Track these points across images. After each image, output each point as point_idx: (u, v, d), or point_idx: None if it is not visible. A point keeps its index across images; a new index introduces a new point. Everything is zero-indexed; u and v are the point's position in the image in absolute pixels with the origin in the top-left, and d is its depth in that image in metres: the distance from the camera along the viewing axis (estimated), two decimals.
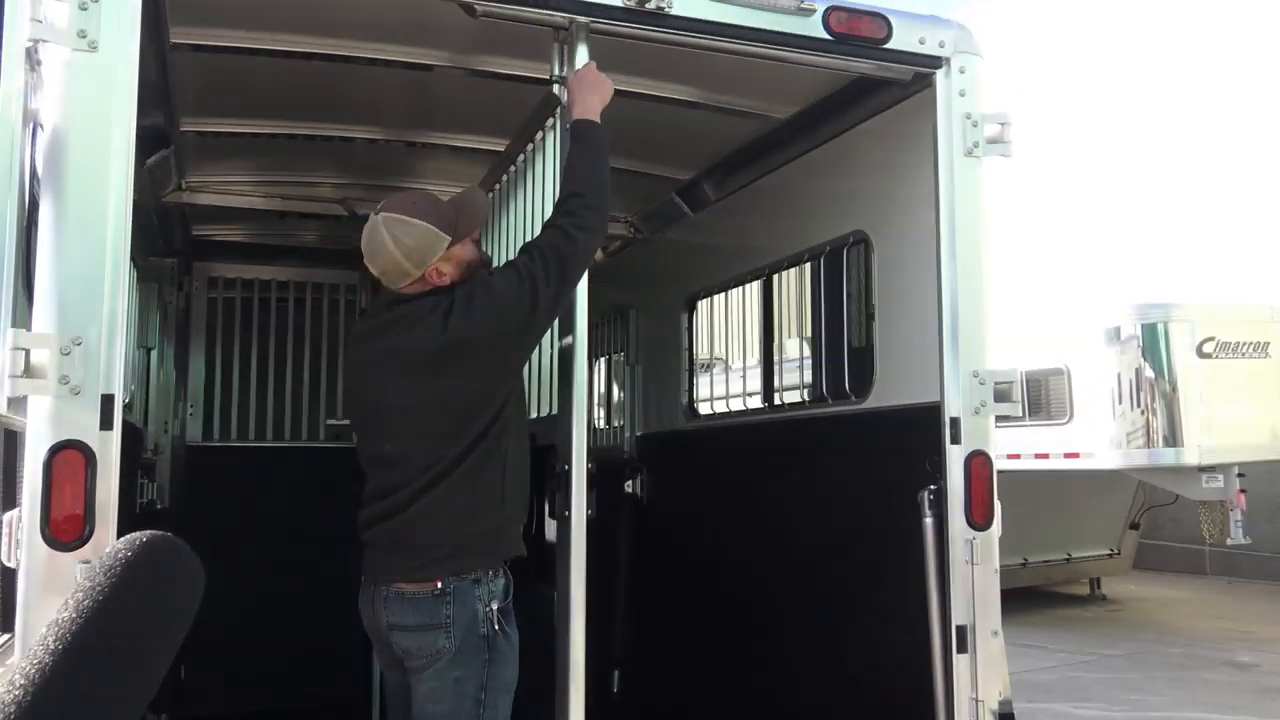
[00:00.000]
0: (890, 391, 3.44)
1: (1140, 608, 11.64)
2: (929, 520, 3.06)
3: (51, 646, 0.91)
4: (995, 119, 3.13)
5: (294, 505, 5.87)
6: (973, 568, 2.98)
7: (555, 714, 2.81)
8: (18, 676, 0.90)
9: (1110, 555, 11.64)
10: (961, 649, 2.95)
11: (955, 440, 3.02)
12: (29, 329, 2.27)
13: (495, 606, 2.69)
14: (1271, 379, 9.83)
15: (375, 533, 2.82)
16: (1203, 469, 9.37)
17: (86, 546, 2.26)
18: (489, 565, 2.70)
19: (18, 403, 2.32)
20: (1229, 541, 9.75)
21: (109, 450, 2.30)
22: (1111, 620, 10.88)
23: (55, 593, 2.23)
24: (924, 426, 3.15)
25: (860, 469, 3.57)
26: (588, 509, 2.80)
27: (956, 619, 2.96)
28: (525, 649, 2.77)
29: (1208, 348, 9.50)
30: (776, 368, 4.42)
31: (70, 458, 2.26)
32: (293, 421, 6.13)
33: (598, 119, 2.84)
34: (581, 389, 2.89)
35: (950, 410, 3.04)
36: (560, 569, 2.86)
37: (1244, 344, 9.65)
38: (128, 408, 3.95)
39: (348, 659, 5.92)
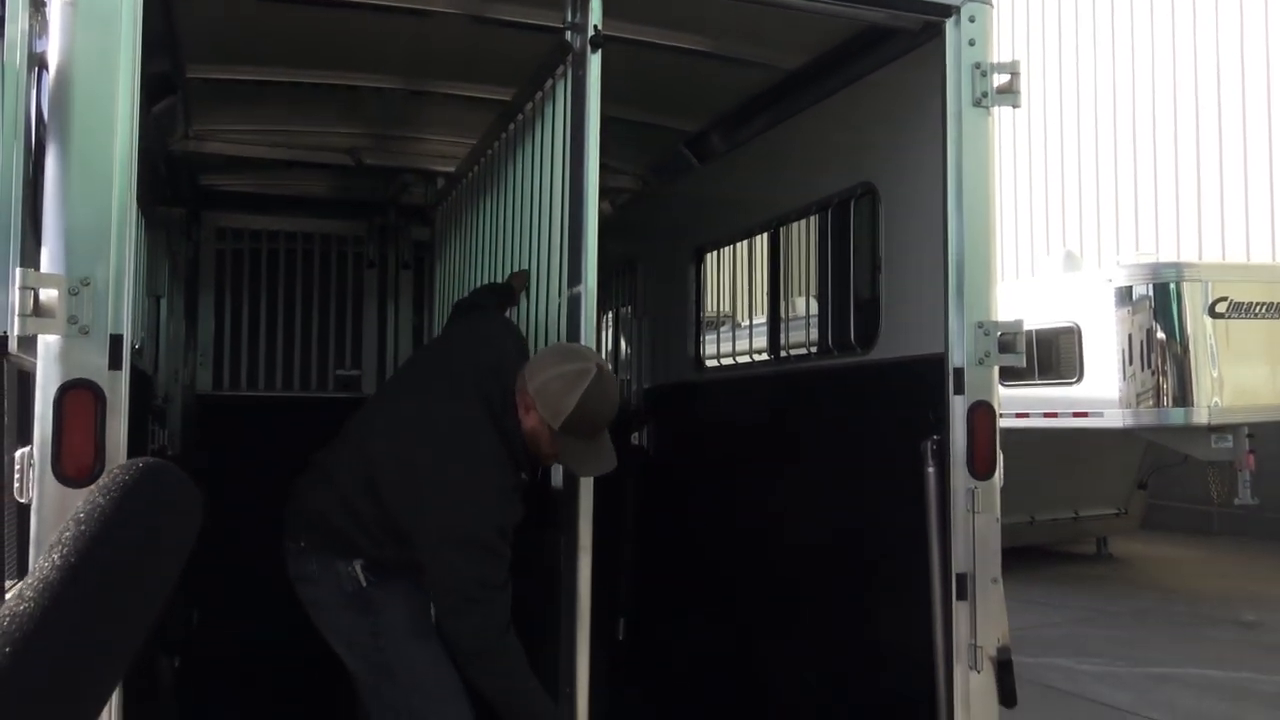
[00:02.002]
0: (895, 343, 3.45)
1: (1146, 567, 11.69)
2: (931, 470, 3.08)
3: (57, 562, 0.93)
4: (1005, 69, 3.10)
5: (303, 455, 5.92)
6: (974, 516, 3.00)
7: (560, 659, 2.86)
8: (26, 590, 0.92)
9: (1118, 515, 11.66)
10: (961, 596, 2.98)
11: (959, 391, 3.03)
12: (37, 269, 2.29)
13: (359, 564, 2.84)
14: None
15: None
16: (1212, 429, 9.37)
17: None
18: None
19: (28, 343, 2.35)
20: (1236, 502, 9.77)
21: (118, 390, 2.33)
22: (1117, 578, 10.93)
23: None
24: (928, 377, 3.16)
25: (865, 420, 3.59)
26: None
27: (957, 567, 2.99)
28: (530, 596, 2.82)
29: (1220, 308, 9.45)
30: (784, 320, 4.43)
31: (80, 397, 2.29)
32: (302, 372, 6.17)
33: None
34: (590, 340, 2.91)
35: (954, 361, 3.05)
36: (567, 514, 2.89)
37: (1257, 304, 9.61)
38: (138, 354, 3.99)
39: None
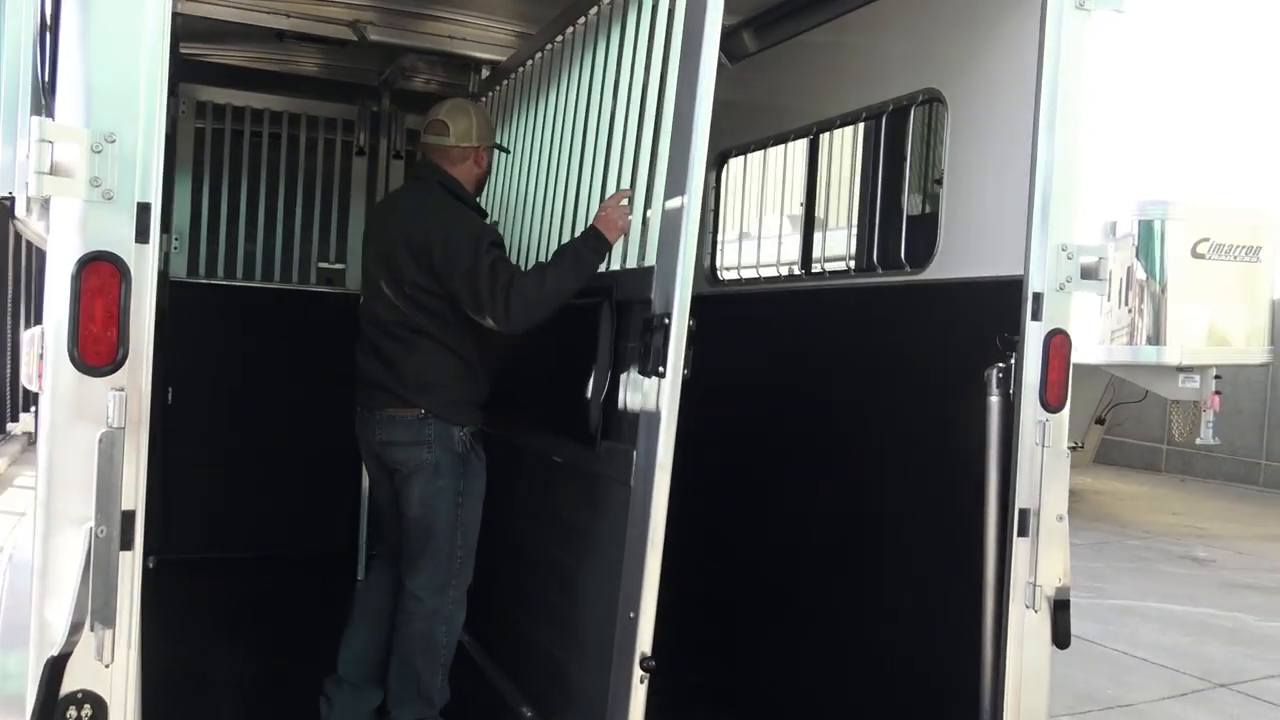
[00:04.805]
0: (955, 263, 3.24)
1: (1099, 500, 11.90)
2: (994, 399, 2.90)
3: None
4: None
5: (281, 350, 5.63)
6: (1043, 450, 2.85)
7: (625, 582, 2.68)
8: None
9: (1073, 448, 11.80)
10: (1023, 533, 2.84)
11: (1036, 317, 2.85)
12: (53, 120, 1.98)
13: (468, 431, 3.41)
14: (1259, 283, 9.85)
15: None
16: (1181, 369, 9.43)
17: (120, 372, 2.03)
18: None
19: (41, 207, 2.04)
20: (1198, 441, 9.90)
21: (145, 266, 2.05)
22: (1073, 511, 11.09)
23: (86, 421, 2.01)
24: (996, 300, 2.97)
25: (912, 343, 3.39)
26: (684, 369, 2.62)
27: (1020, 502, 2.84)
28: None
29: (1202, 248, 9.44)
30: (818, 232, 4.19)
31: (101, 270, 2.01)
32: (283, 263, 5.82)
33: (609, 240, 3.16)
34: (692, 239, 2.66)
35: (1033, 285, 2.85)
36: (646, 429, 2.70)
37: (1237, 247, 9.61)
38: None
39: (333, 506, 5.80)
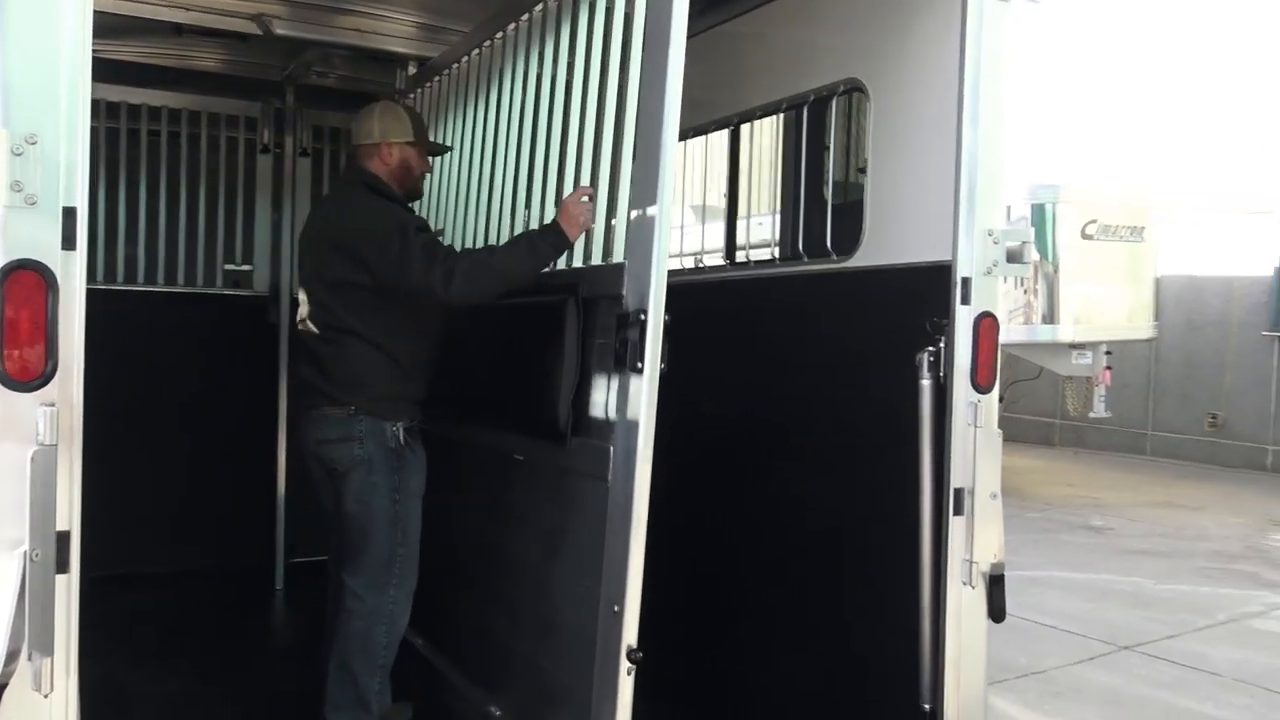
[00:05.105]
0: (881, 250, 3.30)
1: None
2: (926, 382, 2.97)
3: None
4: None
5: (186, 356, 5.43)
6: (975, 430, 2.93)
7: (608, 574, 2.69)
8: None
9: None
10: (959, 511, 2.92)
11: (965, 301, 2.92)
12: None
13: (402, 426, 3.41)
14: (1143, 262, 10.31)
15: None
16: (1074, 346, 9.82)
17: (50, 386, 1.93)
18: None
19: None
20: (1091, 415, 10.33)
21: (72, 274, 1.95)
22: None
23: (16, 439, 1.90)
24: (924, 286, 3.03)
25: (842, 330, 3.44)
26: (660, 363, 2.64)
27: (955, 481, 2.92)
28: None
29: (1090, 230, 9.83)
30: (741, 223, 4.21)
31: (26, 280, 1.91)
32: (187, 266, 5.61)
33: (570, 238, 3.13)
34: (665, 234, 2.67)
35: (962, 270, 2.92)
36: (624, 425, 2.70)
37: (1123, 228, 10.03)
38: None
39: (245, 517, 5.62)
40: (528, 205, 3.60)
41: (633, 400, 2.67)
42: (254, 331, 5.48)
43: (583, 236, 3.18)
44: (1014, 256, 2.95)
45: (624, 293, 2.77)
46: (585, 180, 3.23)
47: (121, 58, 5.06)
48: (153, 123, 5.46)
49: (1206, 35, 12.75)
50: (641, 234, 2.74)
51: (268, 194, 5.68)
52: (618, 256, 3.00)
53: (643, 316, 2.64)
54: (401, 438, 3.40)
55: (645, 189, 2.73)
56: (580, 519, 3.00)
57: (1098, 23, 13.58)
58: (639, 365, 2.64)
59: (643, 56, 2.85)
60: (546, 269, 3.26)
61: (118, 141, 5.44)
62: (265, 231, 5.70)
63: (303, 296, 3.56)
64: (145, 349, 5.28)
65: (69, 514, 1.95)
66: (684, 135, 4.38)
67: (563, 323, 3.09)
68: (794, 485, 3.58)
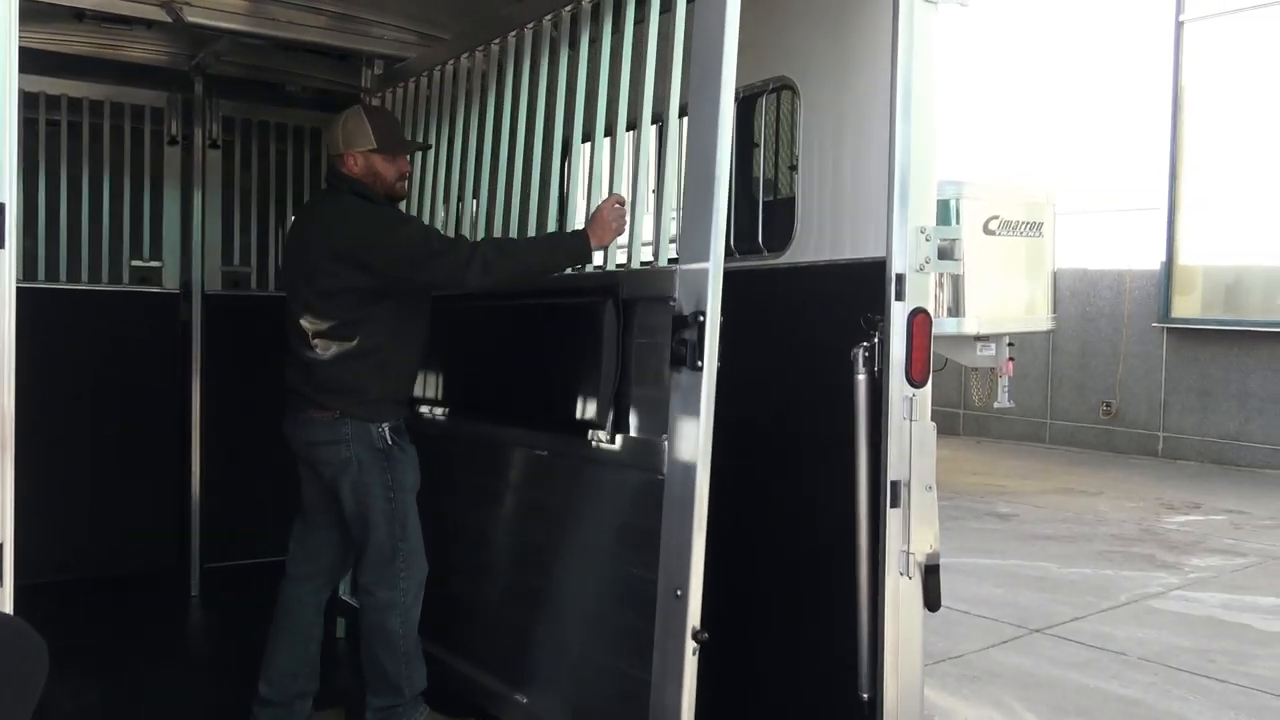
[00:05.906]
0: (813, 246, 3.34)
1: None
2: (862, 377, 3.03)
3: None
4: None
5: (92, 355, 5.22)
6: (910, 424, 2.99)
7: (670, 559, 2.76)
8: None
9: None
10: (895, 504, 2.98)
11: (899, 297, 2.98)
12: None
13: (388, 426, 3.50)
14: (1042, 256, 10.65)
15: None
16: (978, 338, 10.10)
17: None
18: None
19: None
20: (995, 405, 10.64)
21: (1, 273, 1.85)
22: None
23: None
24: (858, 282, 3.09)
25: (773, 325, 3.47)
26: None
27: (892, 474, 2.98)
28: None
29: (992, 225, 10.10)
30: (672, 219, 4.20)
31: None
32: (90, 262, 5.37)
33: (594, 243, 3.28)
34: (720, 236, 2.77)
35: (896, 266, 2.99)
36: (682, 420, 2.82)
37: (1023, 223, 10.34)
38: None
39: (156, 521, 5.44)
40: (546, 210, 3.70)
41: (690, 397, 2.78)
42: (164, 330, 5.29)
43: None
44: (945, 253, 3.02)
45: (676, 295, 2.87)
46: (609, 187, 3.37)
47: (21, 44, 4.81)
48: (52, 112, 5.22)
49: (1103, 45, 13.25)
50: (698, 236, 2.82)
51: (176, 187, 5.48)
52: (643, 256, 3.15)
53: (701, 318, 2.75)
54: (388, 437, 3.50)
55: (701, 189, 2.80)
56: (633, 510, 3.09)
57: (1006, 26, 13.98)
58: (699, 364, 2.75)
59: (694, 55, 2.92)
60: (576, 269, 3.40)
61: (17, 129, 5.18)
62: (175, 226, 5.50)
63: (290, 301, 3.59)
64: (49, 349, 5.06)
65: (1, 525, 1.85)
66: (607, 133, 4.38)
67: (599, 325, 3.18)
68: (731, 480, 3.60)
